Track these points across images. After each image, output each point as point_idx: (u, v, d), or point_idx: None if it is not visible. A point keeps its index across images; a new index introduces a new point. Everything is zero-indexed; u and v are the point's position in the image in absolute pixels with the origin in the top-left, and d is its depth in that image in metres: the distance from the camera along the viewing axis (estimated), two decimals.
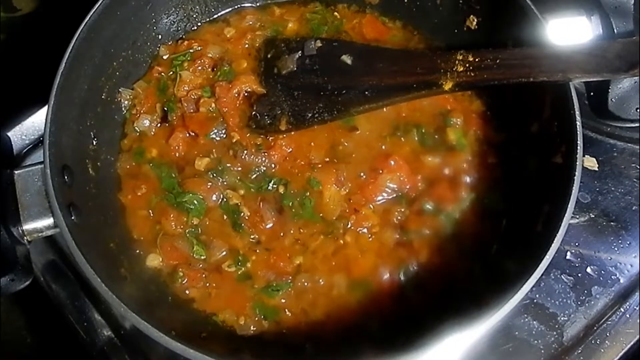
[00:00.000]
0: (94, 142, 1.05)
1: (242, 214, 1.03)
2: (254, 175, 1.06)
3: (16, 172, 0.90)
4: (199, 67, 1.15)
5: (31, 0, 1.38)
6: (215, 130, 1.09)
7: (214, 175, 1.06)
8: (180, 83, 1.13)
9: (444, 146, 1.08)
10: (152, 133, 1.12)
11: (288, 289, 0.99)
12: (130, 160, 1.10)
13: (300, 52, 1.11)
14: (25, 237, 0.87)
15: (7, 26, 1.38)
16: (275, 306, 0.98)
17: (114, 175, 1.08)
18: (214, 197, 1.05)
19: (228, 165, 1.07)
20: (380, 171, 1.05)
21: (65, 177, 0.92)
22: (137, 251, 1.02)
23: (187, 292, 1.00)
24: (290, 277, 0.99)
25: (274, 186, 1.05)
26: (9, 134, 1.19)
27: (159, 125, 1.12)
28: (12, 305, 1.20)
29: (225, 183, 1.06)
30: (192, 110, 1.11)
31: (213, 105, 1.11)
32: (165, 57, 1.18)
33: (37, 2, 1.39)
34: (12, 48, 1.41)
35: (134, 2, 1.10)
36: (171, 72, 1.16)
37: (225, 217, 1.04)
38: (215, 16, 1.24)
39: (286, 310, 0.98)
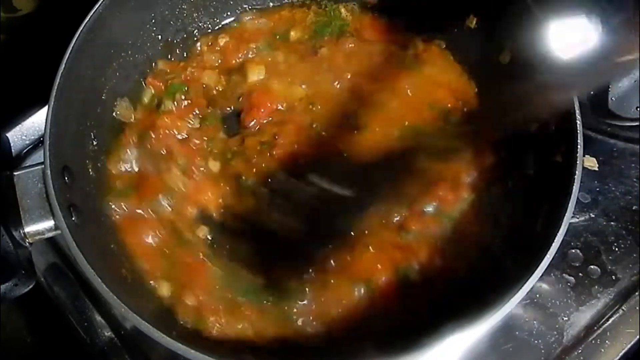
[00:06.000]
0: (94, 143, 1.04)
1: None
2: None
3: (16, 173, 0.89)
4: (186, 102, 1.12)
5: (31, 0, 1.38)
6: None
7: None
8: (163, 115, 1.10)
9: (444, 146, 1.07)
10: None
11: (297, 292, 0.98)
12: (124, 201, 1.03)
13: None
14: (27, 240, 0.86)
15: (7, 26, 1.38)
16: (288, 311, 0.97)
17: (111, 222, 1.02)
18: None
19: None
20: None
21: (66, 178, 0.92)
22: (151, 282, 0.99)
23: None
24: (300, 279, 0.99)
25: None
26: (9, 134, 1.19)
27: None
28: (12, 305, 1.19)
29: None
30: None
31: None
32: (160, 71, 1.16)
33: (37, 2, 1.38)
34: (12, 48, 1.41)
35: (134, 2, 1.09)
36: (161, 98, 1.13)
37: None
38: (216, 18, 1.23)
39: (295, 309, 0.98)
